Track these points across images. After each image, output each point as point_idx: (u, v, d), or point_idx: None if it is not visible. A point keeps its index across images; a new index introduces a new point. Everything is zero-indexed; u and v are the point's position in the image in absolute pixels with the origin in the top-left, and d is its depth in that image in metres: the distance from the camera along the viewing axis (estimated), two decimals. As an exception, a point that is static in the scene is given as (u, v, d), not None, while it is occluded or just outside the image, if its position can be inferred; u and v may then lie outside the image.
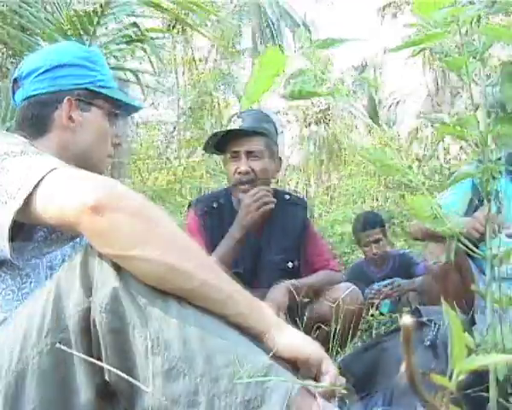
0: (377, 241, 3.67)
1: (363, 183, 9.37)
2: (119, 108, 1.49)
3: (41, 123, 1.38)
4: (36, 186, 1.05)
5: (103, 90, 1.43)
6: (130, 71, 3.40)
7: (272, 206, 2.21)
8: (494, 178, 0.82)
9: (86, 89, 1.41)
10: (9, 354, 1.03)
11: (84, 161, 1.36)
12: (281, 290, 2.18)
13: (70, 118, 1.38)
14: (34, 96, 1.38)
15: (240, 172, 2.26)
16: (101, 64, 1.47)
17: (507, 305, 0.94)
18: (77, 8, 3.33)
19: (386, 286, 3.53)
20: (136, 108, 1.62)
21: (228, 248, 2.15)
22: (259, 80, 0.77)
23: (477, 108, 0.84)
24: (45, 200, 1.05)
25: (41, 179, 1.05)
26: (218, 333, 1.01)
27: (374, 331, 3.06)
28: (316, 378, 1.09)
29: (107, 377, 1.00)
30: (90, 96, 1.41)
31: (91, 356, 0.98)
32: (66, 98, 1.37)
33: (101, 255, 1.02)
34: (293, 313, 2.15)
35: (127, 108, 1.55)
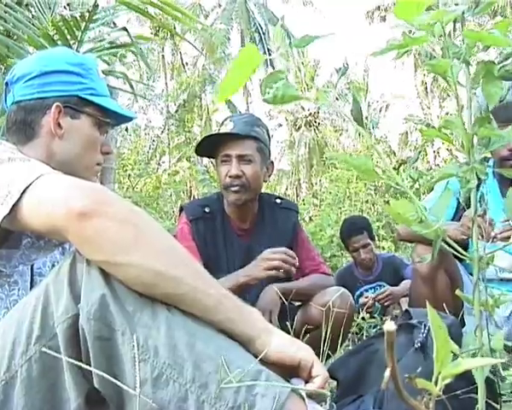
0: (365, 246, 3.68)
1: (351, 185, 9.40)
2: (110, 118, 1.47)
3: (28, 128, 1.36)
4: (23, 193, 1.04)
5: (94, 99, 1.41)
6: (118, 77, 3.39)
7: (289, 275, 2.18)
8: (479, 179, 0.82)
9: (77, 96, 1.39)
10: None
11: (72, 168, 1.35)
12: (272, 293, 2.18)
13: (58, 124, 1.36)
14: (23, 101, 1.37)
15: (231, 176, 2.26)
16: (94, 72, 1.44)
17: (493, 307, 0.94)
18: (63, 13, 3.32)
19: (374, 290, 3.54)
20: (128, 118, 1.60)
21: (229, 287, 2.12)
22: (233, 77, 0.76)
23: (462, 110, 0.85)
24: (32, 207, 1.04)
25: (28, 186, 1.05)
26: (207, 339, 1.01)
27: (365, 334, 3.07)
28: (306, 382, 1.09)
29: (95, 384, 0.99)
30: (80, 104, 1.39)
31: (80, 362, 0.98)
32: (55, 104, 1.35)
33: (88, 262, 1.01)
34: (284, 316, 2.15)
35: (119, 118, 1.54)
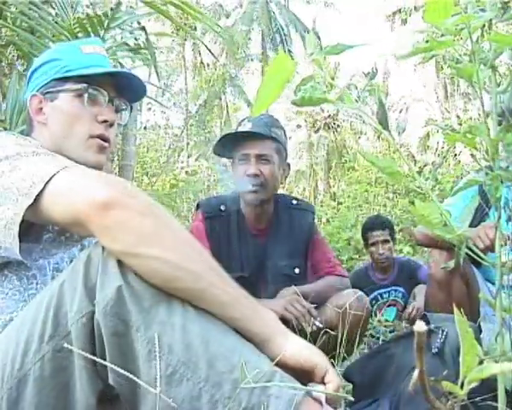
0: (384, 242, 3.66)
1: (370, 188, 9.36)
2: (95, 86, 1.42)
3: (29, 124, 1.44)
4: (47, 183, 1.05)
5: (69, 74, 1.40)
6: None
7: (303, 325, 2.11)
8: (504, 185, 0.82)
9: (54, 79, 1.41)
10: (11, 359, 1.03)
11: (65, 149, 1.35)
12: (289, 295, 2.17)
13: (41, 110, 1.40)
14: (25, 99, 1.45)
15: (248, 175, 2.26)
16: (71, 51, 1.45)
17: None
18: (86, 11, 3.34)
19: (389, 293, 3.53)
20: (141, 93, 1.54)
21: None
22: (269, 87, 0.77)
23: (488, 116, 0.84)
24: (55, 197, 1.05)
25: (52, 177, 1.06)
26: (222, 338, 1.00)
27: (381, 338, 3.05)
28: None
29: (110, 381, 0.99)
30: (58, 85, 1.40)
31: (94, 362, 0.98)
32: (29, 97, 1.41)
33: (104, 259, 1.01)
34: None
35: (130, 94, 1.50)
